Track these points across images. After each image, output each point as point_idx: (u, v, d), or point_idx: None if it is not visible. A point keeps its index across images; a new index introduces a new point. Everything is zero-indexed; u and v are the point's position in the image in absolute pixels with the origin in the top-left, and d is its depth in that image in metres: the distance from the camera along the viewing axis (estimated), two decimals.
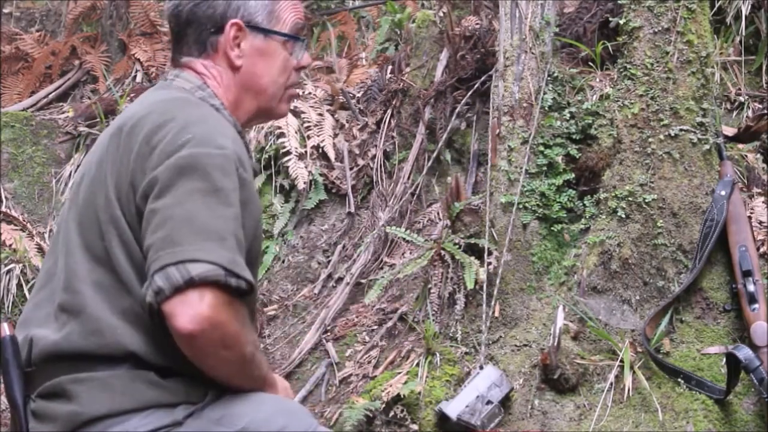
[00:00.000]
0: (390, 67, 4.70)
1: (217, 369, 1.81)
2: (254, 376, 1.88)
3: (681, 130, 3.65)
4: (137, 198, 1.82)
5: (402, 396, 3.40)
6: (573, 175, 3.81)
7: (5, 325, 1.88)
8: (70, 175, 4.79)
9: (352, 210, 4.40)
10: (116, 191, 1.85)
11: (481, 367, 3.46)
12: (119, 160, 1.87)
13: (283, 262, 4.39)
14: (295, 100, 4.57)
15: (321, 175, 4.45)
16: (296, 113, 4.59)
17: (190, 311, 1.71)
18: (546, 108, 3.82)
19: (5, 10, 6.02)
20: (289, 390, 2.08)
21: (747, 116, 4.05)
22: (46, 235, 4.58)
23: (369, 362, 3.80)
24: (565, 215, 3.77)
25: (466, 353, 3.59)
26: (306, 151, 4.48)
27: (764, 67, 4.24)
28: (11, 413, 1.86)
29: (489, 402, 3.33)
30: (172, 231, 1.74)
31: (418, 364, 3.55)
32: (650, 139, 3.65)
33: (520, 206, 3.72)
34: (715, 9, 4.14)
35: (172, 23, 2.08)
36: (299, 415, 1.87)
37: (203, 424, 1.79)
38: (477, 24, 4.30)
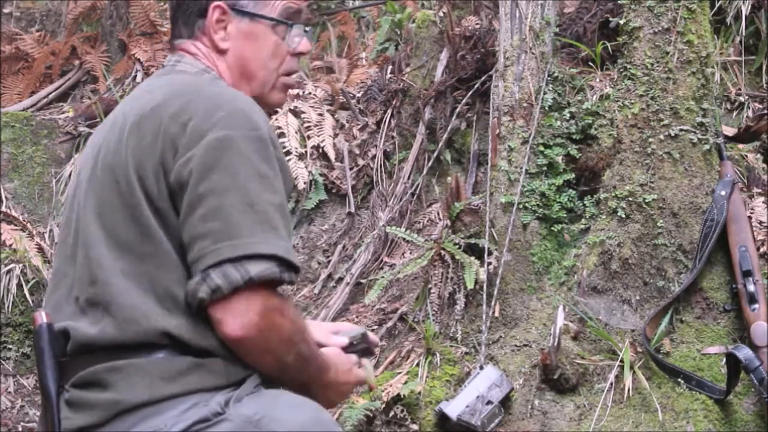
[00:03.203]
0: (390, 67, 4.70)
1: (268, 370, 1.82)
2: (310, 374, 1.88)
3: (681, 130, 3.65)
4: (171, 178, 1.78)
5: (402, 396, 3.40)
6: (573, 175, 3.81)
7: (43, 313, 1.85)
8: (70, 175, 4.78)
9: (352, 210, 4.40)
10: (142, 174, 1.80)
11: (481, 367, 3.46)
12: (140, 144, 1.82)
13: None
14: (295, 100, 4.57)
15: (321, 175, 4.45)
16: (296, 113, 4.59)
17: (240, 319, 1.73)
18: (546, 108, 3.82)
19: (5, 10, 6.02)
20: (349, 364, 2.03)
21: (747, 116, 4.05)
22: (46, 235, 4.57)
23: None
24: (565, 215, 3.77)
25: (466, 353, 3.59)
26: (306, 151, 4.47)
27: (764, 67, 4.23)
28: (43, 404, 1.83)
29: (489, 402, 3.33)
30: (228, 221, 1.73)
31: (418, 364, 3.55)
32: (650, 139, 3.65)
33: (520, 206, 3.72)
34: (715, 9, 4.14)
35: (171, 7, 2.08)
36: (330, 425, 1.83)
37: (243, 422, 1.74)
38: (477, 24, 4.30)
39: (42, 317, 1.84)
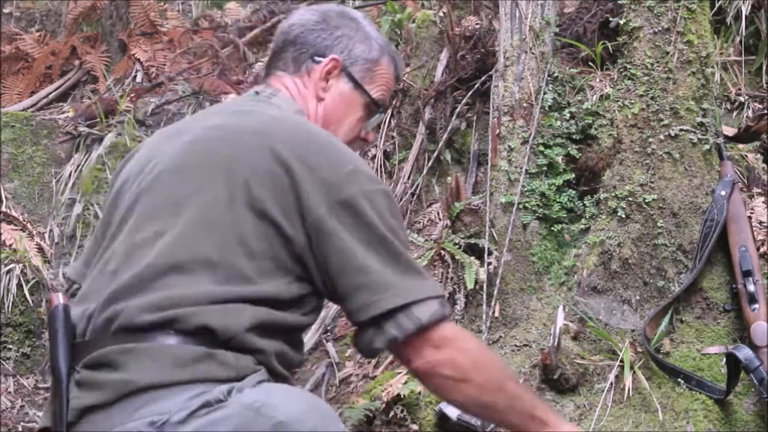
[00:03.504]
0: None
1: (467, 404, 1.94)
2: (515, 408, 1.93)
3: (681, 130, 3.65)
4: (306, 221, 1.85)
5: (402, 396, 3.40)
6: (573, 175, 3.81)
7: (60, 295, 1.86)
8: (70, 175, 4.79)
9: None
10: (252, 182, 1.84)
11: None
12: (251, 163, 1.86)
13: None
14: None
15: None
16: None
17: (425, 357, 1.87)
18: (546, 108, 3.82)
19: (5, 10, 6.03)
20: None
21: (747, 116, 4.05)
22: (46, 235, 4.58)
23: (369, 362, 3.80)
24: (565, 215, 3.77)
25: None
26: None
27: (764, 67, 4.24)
28: (53, 385, 1.84)
29: None
30: (376, 276, 1.84)
31: None
32: (650, 139, 3.65)
33: (520, 206, 3.72)
34: (715, 9, 4.14)
35: (279, 39, 2.17)
36: (330, 416, 1.86)
37: (243, 408, 1.76)
38: (477, 24, 4.31)
39: (59, 298, 1.86)
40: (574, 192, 3.80)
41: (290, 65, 2.13)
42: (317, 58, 2.11)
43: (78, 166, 4.79)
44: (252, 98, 2.11)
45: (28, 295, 4.23)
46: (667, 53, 3.69)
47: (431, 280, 1.92)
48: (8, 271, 4.27)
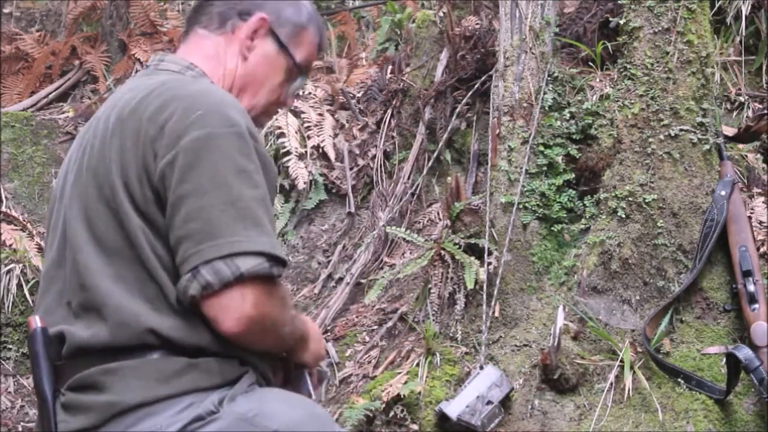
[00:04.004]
0: (390, 67, 4.70)
1: (263, 348, 1.89)
2: (296, 340, 1.99)
3: (681, 130, 3.65)
4: (154, 181, 1.78)
5: (402, 396, 3.40)
6: (573, 175, 3.81)
7: (37, 318, 1.84)
8: None
9: (352, 210, 4.40)
10: (125, 179, 1.80)
11: (481, 367, 3.46)
12: (122, 148, 1.82)
13: None
14: (296, 101, 4.57)
15: (321, 175, 4.45)
16: (296, 113, 4.59)
17: (235, 314, 1.73)
18: (546, 108, 3.82)
19: (5, 10, 6.03)
20: (318, 333, 2.15)
21: (747, 116, 4.05)
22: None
23: (369, 362, 3.80)
24: (565, 215, 3.77)
25: (466, 353, 3.59)
26: (306, 151, 4.48)
27: (764, 67, 4.24)
28: (39, 407, 1.83)
29: (489, 402, 3.33)
30: (209, 221, 1.72)
31: (418, 364, 3.55)
32: (650, 139, 3.65)
33: (520, 206, 3.72)
34: (715, 9, 4.14)
35: None
36: (325, 421, 1.85)
37: (237, 420, 1.75)
38: (477, 24, 4.31)
39: (36, 321, 1.84)
40: (574, 192, 3.80)
41: (215, 20, 2.04)
42: (244, 16, 2.02)
43: None
44: (144, 72, 2.04)
45: (28, 295, 4.22)
46: (667, 53, 3.69)
47: (268, 237, 1.76)
48: (8, 271, 4.27)
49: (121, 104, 1.89)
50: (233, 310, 1.73)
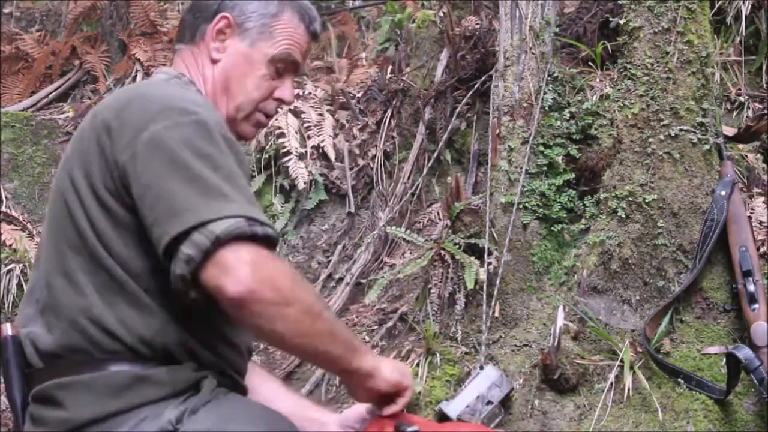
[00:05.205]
0: (390, 67, 4.70)
1: (288, 335, 1.68)
2: (336, 336, 1.74)
3: (681, 130, 3.64)
4: (116, 176, 1.77)
5: None
6: (573, 175, 3.81)
7: (8, 325, 1.85)
8: None
9: (352, 210, 4.40)
10: (84, 172, 1.81)
11: (481, 367, 3.46)
12: (86, 144, 1.83)
13: None
14: (295, 100, 4.57)
15: (321, 175, 4.45)
16: (296, 113, 4.59)
17: (233, 276, 1.62)
18: (546, 108, 3.82)
19: (5, 10, 6.03)
20: (405, 371, 1.93)
21: (747, 116, 4.05)
22: None
23: None
24: (565, 215, 3.77)
25: (466, 353, 3.59)
26: (306, 151, 4.48)
27: (764, 67, 4.24)
28: (13, 414, 1.84)
29: (489, 402, 3.33)
30: (172, 201, 1.69)
31: (418, 364, 3.55)
32: (650, 139, 3.65)
33: (520, 206, 3.72)
34: (715, 9, 4.14)
35: (183, 13, 2.12)
36: None
37: None
38: (477, 24, 4.31)
39: (7, 329, 1.85)
40: (574, 192, 3.80)
41: (187, 34, 2.06)
42: (209, 21, 2.04)
43: None
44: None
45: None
46: (667, 53, 3.69)
47: (241, 203, 1.69)
48: (8, 271, 4.27)
49: (98, 106, 1.91)
50: (231, 270, 1.63)
